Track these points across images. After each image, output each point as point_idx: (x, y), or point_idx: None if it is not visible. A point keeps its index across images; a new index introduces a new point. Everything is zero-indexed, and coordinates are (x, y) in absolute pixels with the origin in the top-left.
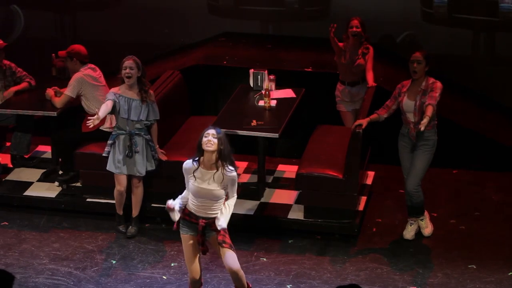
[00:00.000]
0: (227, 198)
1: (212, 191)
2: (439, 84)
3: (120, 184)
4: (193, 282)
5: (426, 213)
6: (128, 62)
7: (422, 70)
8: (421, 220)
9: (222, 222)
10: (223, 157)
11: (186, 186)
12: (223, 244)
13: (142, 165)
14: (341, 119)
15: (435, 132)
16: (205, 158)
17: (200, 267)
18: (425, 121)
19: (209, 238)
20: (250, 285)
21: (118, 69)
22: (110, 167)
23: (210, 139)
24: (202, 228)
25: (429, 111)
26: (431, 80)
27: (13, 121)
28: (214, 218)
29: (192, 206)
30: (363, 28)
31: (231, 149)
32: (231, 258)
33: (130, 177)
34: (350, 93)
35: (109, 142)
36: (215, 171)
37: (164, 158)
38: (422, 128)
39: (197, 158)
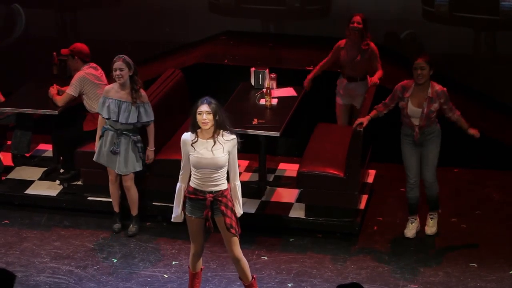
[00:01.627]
0: (228, 178)
1: (214, 160)
2: (446, 93)
3: (111, 174)
4: (195, 254)
5: (438, 213)
6: (118, 64)
7: (427, 75)
8: (432, 218)
9: (239, 209)
10: (220, 126)
11: (183, 162)
12: (231, 229)
13: (123, 165)
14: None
15: (436, 122)
16: (203, 131)
17: (204, 241)
18: (475, 131)
19: (216, 217)
20: (255, 276)
21: None
22: (96, 157)
23: (205, 117)
24: (210, 203)
25: (465, 121)
26: (436, 86)
27: (13, 120)
28: (220, 191)
29: (195, 181)
30: (364, 24)
31: (225, 114)
32: (234, 244)
33: (120, 176)
34: (346, 88)
35: (99, 134)
36: (214, 139)
37: (147, 161)
38: (478, 135)
39: (193, 134)
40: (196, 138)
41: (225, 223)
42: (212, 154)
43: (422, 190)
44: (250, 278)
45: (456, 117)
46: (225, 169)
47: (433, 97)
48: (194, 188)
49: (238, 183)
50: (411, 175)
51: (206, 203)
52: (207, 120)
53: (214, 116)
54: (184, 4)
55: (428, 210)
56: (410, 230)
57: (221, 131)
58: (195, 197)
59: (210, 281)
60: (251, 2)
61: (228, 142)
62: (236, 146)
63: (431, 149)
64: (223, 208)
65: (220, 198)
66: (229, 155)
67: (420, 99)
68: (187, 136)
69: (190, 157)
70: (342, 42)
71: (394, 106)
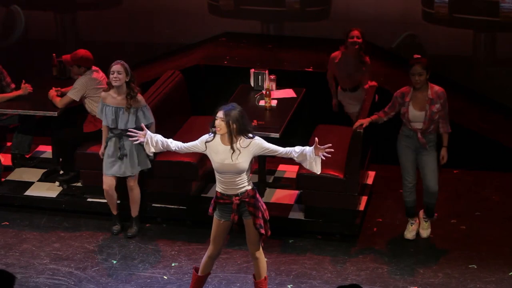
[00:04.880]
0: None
1: (234, 165)
2: (445, 93)
3: (105, 184)
4: (211, 257)
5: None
6: (116, 67)
7: (424, 80)
8: (426, 221)
9: (318, 168)
10: (237, 133)
11: (190, 143)
12: (260, 229)
13: (131, 167)
14: (341, 120)
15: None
16: (220, 136)
17: (223, 245)
18: (445, 154)
19: (245, 219)
20: (267, 276)
21: None
22: (107, 171)
23: (219, 123)
24: (237, 206)
25: (446, 141)
26: (435, 87)
27: (15, 121)
28: (246, 192)
29: (220, 185)
30: (363, 38)
31: (247, 122)
32: (257, 243)
33: (124, 178)
34: (354, 97)
35: (104, 144)
36: (232, 146)
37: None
38: (444, 162)
39: (212, 134)
40: (213, 137)
41: (254, 223)
42: (232, 161)
43: (418, 191)
44: (262, 277)
45: (444, 131)
46: (244, 173)
47: (434, 98)
48: (220, 193)
49: (296, 148)
50: (409, 179)
51: (233, 207)
52: (220, 127)
53: (227, 125)
54: (183, 5)
55: (422, 213)
56: (410, 231)
57: (239, 138)
58: (223, 202)
59: (210, 283)
60: (250, 4)
61: (248, 147)
62: (261, 143)
63: (431, 158)
64: (251, 209)
65: (247, 200)
66: (263, 153)
67: (421, 102)
68: (205, 137)
69: (212, 162)
70: (335, 56)
71: (394, 115)
